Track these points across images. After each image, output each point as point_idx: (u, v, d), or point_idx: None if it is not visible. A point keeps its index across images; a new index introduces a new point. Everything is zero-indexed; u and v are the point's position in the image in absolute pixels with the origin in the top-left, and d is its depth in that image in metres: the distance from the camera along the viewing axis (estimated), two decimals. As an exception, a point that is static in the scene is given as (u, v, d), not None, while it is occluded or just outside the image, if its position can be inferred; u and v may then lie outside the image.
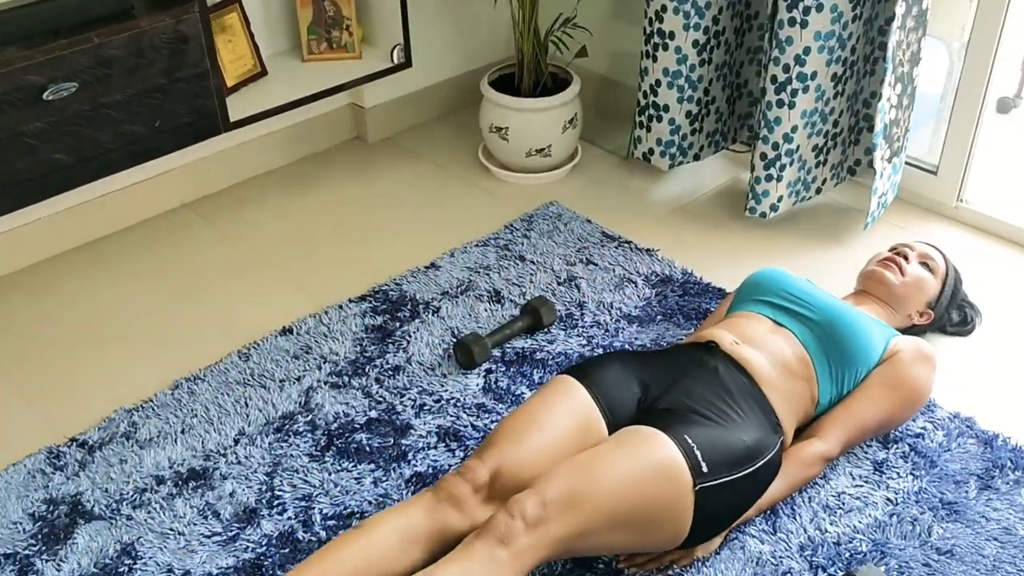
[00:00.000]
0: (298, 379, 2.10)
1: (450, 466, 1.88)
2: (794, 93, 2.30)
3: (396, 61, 2.64)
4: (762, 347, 1.83)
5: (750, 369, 1.78)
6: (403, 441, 1.94)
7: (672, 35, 2.45)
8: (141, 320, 2.30)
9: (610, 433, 1.68)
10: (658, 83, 2.54)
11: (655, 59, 2.52)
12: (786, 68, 2.27)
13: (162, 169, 2.61)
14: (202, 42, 2.21)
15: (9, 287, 2.40)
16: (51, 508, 1.83)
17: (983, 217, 2.51)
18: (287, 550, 1.73)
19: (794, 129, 2.34)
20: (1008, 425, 1.93)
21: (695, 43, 2.45)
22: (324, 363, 2.13)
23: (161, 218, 2.64)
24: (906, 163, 2.56)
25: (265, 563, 1.70)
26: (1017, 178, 2.75)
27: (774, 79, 2.30)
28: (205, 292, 2.38)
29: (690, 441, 1.59)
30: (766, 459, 1.66)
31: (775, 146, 2.37)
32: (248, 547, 1.74)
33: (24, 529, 1.79)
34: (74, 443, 1.96)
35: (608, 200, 2.69)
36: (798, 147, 2.38)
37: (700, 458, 1.58)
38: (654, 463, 1.56)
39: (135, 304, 2.35)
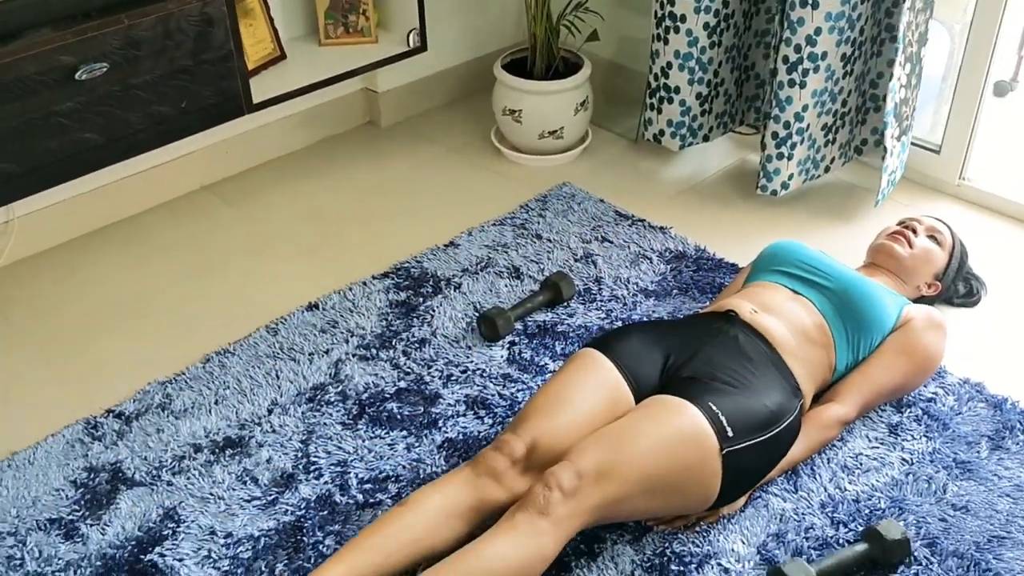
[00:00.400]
0: (327, 352, 2.15)
1: (480, 432, 1.94)
2: (805, 73, 2.36)
3: (412, 45, 2.69)
4: (781, 315, 1.89)
5: (769, 337, 1.84)
6: (433, 409, 2.00)
7: (683, 18, 2.52)
8: (167, 298, 2.35)
9: (636, 402, 1.74)
10: (669, 65, 2.61)
11: (666, 42, 2.58)
12: (797, 48, 2.34)
13: (182, 152, 2.65)
14: (227, 24, 2.26)
15: (35, 267, 2.45)
16: (92, 475, 1.88)
17: (984, 194, 2.59)
18: (325, 512, 1.78)
19: (804, 108, 2.41)
20: (1016, 389, 2.01)
21: (706, 25, 2.52)
22: (351, 337, 2.19)
23: (182, 200, 2.69)
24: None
25: (305, 525, 1.76)
26: (1015, 157, 2.82)
27: (786, 59, 2.37)
28: (228, 271, 2.43)
29: (715, 408, 1.66)
30: (787, 422, 1.73)
31: (786, 125, 2.44)
32: (287, 510, 1.79)
33: (67, 495, 1.84)
34: (110, 414, 2.01)
35: (619, 181, 2.75)
36: (808, 126, 2.45)
37: (725, 424, 1.64)
38: (682, 431, 1.62)
39: (160, 283, 2.40)
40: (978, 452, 1.87)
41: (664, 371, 1.79)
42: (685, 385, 1.72)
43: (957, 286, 2.22)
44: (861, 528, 1.73)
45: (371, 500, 1.80)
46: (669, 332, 1.87)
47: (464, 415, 1.98)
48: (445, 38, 3.00)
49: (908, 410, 1.96)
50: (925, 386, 2.01)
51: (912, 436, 1.91)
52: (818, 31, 2.31)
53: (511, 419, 1.95)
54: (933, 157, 2.64)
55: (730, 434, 1.64)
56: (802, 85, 2.38)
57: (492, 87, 2.81)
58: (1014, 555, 1.68)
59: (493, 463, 1.66)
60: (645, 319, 2.22)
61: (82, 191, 2.51)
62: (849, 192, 2.67)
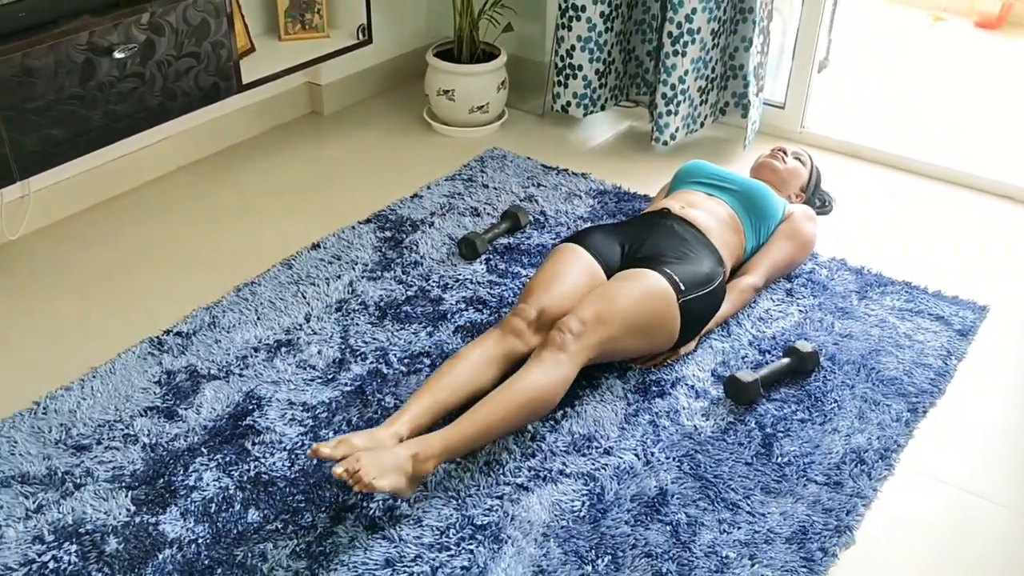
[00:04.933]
0: (338, 277, 2.60)
1: (481, 320, 2.44)
2: (685, 44, 3.02)
3: (360, 39, 3.19)
4: (702, 209, 2.50)
5: (697, 223, 2.45)
6: (440, 308, 2.48)
7: (584, 8, 3.13)
8: (181, 251, 2.72)
9: (607, 278, 2.30)
10: (573, 48, 3.22)
11: (570, 29, 3.19)
12: (679, 25, 3.00)
13: (159, 138, 3.02)
14: (228, 14, 2.69)
15: (53, 235, 2.77)
16: (171, 376, 2.25)
17: (819, 137, 3.33)
18: (378, 381, 2.24)
19: (686, 73, 3.07)
20: (868, 261, 2.70)
21: (602, 14, 3.15)
22: (356, 265, 2.64)
23: (167, 177, 3.06)
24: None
25: (366, 390, 2.21)
26: (836, 112, 3.59)
27: (670, 34, 3.02)
28: (227, 228, 2.83)
29: (669, 271, 2.24)
30: (719, 282, 2.33)
31: (672, 87, 3.09)
32: (347, 383, 2.24)
33: (154, 392, 2.21)
34: (169, 333, 2.38)
35: (537, 144, 3.32)
36: (688, 88, 3.11)
37: (679, 281, 2.23)
38: (651, 287, 2.20)
39: (171, 239, 2.77)
40: (851, 302, 2.54)
41: (623, 256, 2.36)
42: (643, 262, 2.30)
43: (815, 199, 2.91)
44: (781, 354, 2.35)
45: (412, 369, 2.28)
46: (621, 228, 2.44)
47: (466, 310, 2.48)
48: (378, 36, 3.49)
49: (796, 280, 2.62)
50: (805, 264, 2.67)
51: (803, 296, 2.56)
52: (694, 11, 2.97)
53: (506, 309, 2.47)
54: (779, 112, 3.36)
55: (683, 288, 2.22)
56: (683, 55, 3.04)
57: (415, 79, 3.33)
58: (887, 360, 2.34)
59: (514, 325, 2.18)
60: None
61: (81, 170, 2.85)
62: (719, 144, 3.35)
